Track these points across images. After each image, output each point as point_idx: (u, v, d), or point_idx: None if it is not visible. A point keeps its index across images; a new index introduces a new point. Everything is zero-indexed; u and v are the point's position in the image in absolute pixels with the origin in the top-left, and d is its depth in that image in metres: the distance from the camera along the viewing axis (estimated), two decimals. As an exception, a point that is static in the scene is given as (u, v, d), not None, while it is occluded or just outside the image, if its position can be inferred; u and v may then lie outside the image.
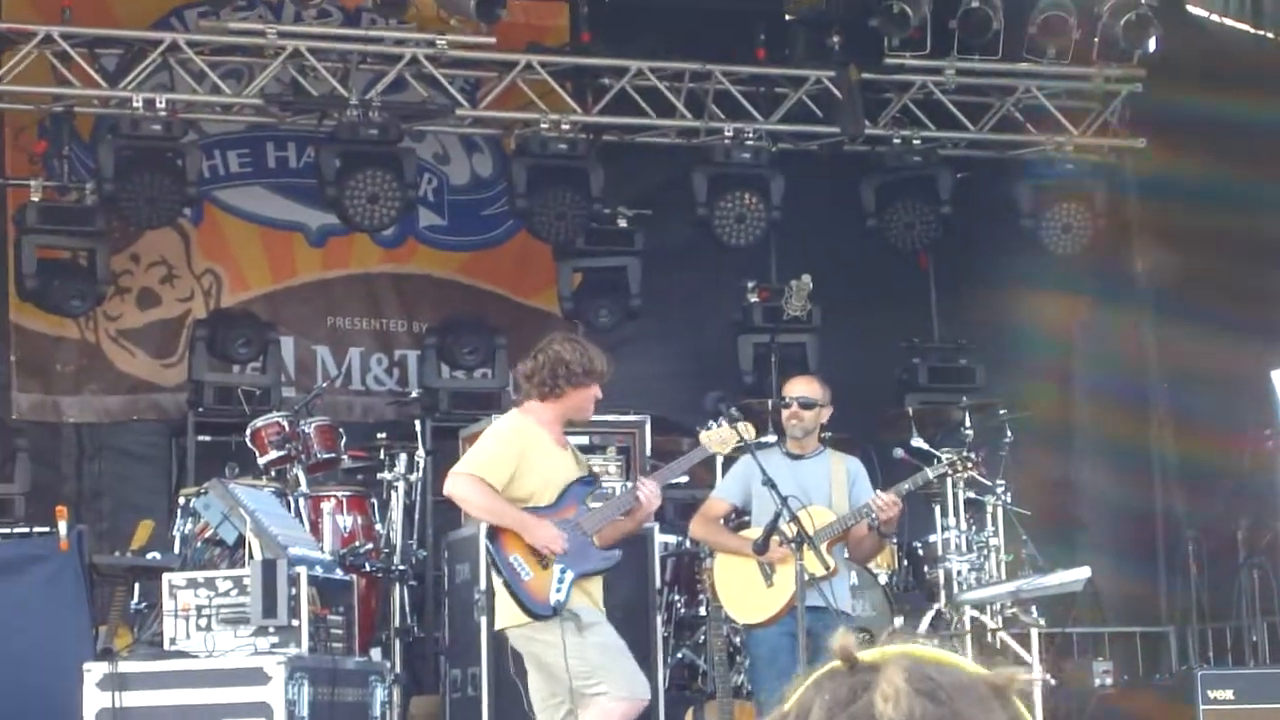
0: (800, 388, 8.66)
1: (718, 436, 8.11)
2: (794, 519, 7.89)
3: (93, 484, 11.63)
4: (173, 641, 7.89)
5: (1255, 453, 10.45)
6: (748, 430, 8.19)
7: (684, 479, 9.90)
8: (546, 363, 7.68)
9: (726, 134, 11.89)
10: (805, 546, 7.89)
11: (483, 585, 8.81)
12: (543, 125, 11.68)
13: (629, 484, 8.55)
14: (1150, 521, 11.98)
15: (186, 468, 10.84)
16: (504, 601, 7.61)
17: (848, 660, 1.70)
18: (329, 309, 12.41)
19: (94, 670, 7.69)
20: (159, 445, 11.66)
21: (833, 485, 8.54)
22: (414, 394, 11.20)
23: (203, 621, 7.87)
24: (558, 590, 7.53)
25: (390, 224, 11.54)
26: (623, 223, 11.92)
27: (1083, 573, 9.46)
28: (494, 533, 7.67)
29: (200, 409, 11.08)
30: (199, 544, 8.73)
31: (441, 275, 12.70)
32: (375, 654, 9.18)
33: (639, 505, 7.83)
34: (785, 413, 8.57)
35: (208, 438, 10.99)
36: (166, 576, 8.03)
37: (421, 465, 10.12)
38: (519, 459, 7.59)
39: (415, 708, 9.70)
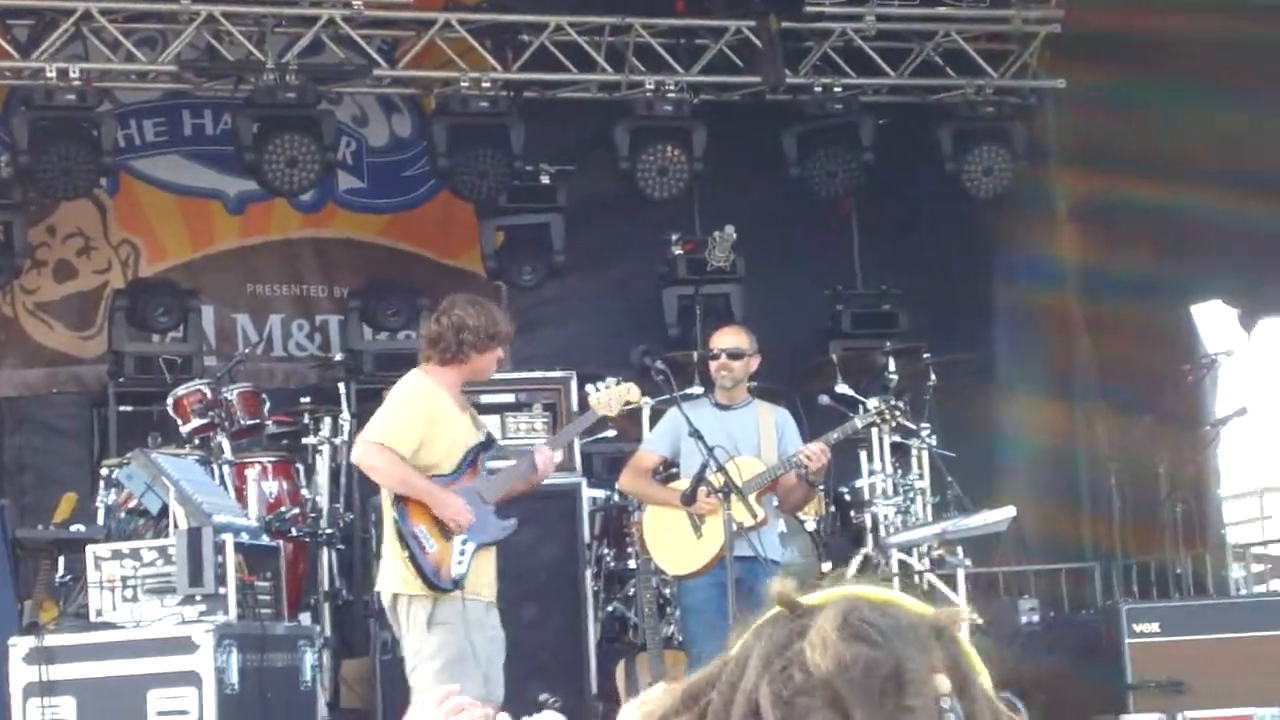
0: (728, 338, 8.68)
1: (605, 398, 8.07)
2: (721, 469, 7.92)
3: (14, 458, 11.55)
4: (99, 613, 7.85)
5: (1176, 386, 10.54)
6: (631, 392, 8.17)
7: (612, 432, 9.94)
8: (450, 326, 7.61)
9: (648, 87, 11.86)
10: (733, 496, 7.92)
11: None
12: (463, 84, 11.62)
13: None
14: (1072, 458, 12.07)
15: (108, 439, 10.77)
16: (398, 569, 7.44)
17: (788, 605, 1.68)
18: (248, 276, 12.35)
19: (20, 645, 7.65)
20: (80, 417, 11.59)
21: (761, 435, 8.57)
22: (338, 357, 11.16)
23: (128, 592, 7.84)
24: (459, 563, 7.45)
25: (310, 187, 11.47)
26: (545, 179, 11.89)
27: (1008, 512, 9.53)
28: (400, 501, 7.58)
29: (121, 379, 11.01)
30: (123, 515, 8.70)
31: (362, 238, 12.64)
32: (304, 619, 9.17)
33: (535, 471, 7.79)
34: (714, 364, 8.59)
35: (129, 408, 10.93)
36: (91, 548, 7.99)
37: (346, 428, 10.09)
38: (426, 425, 7.50)
39: (346, 670, 9.70)
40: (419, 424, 7.49)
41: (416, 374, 7.72)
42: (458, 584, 7.42)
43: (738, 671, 1.66)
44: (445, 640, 7.34)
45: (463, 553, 7.48)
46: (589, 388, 8.12)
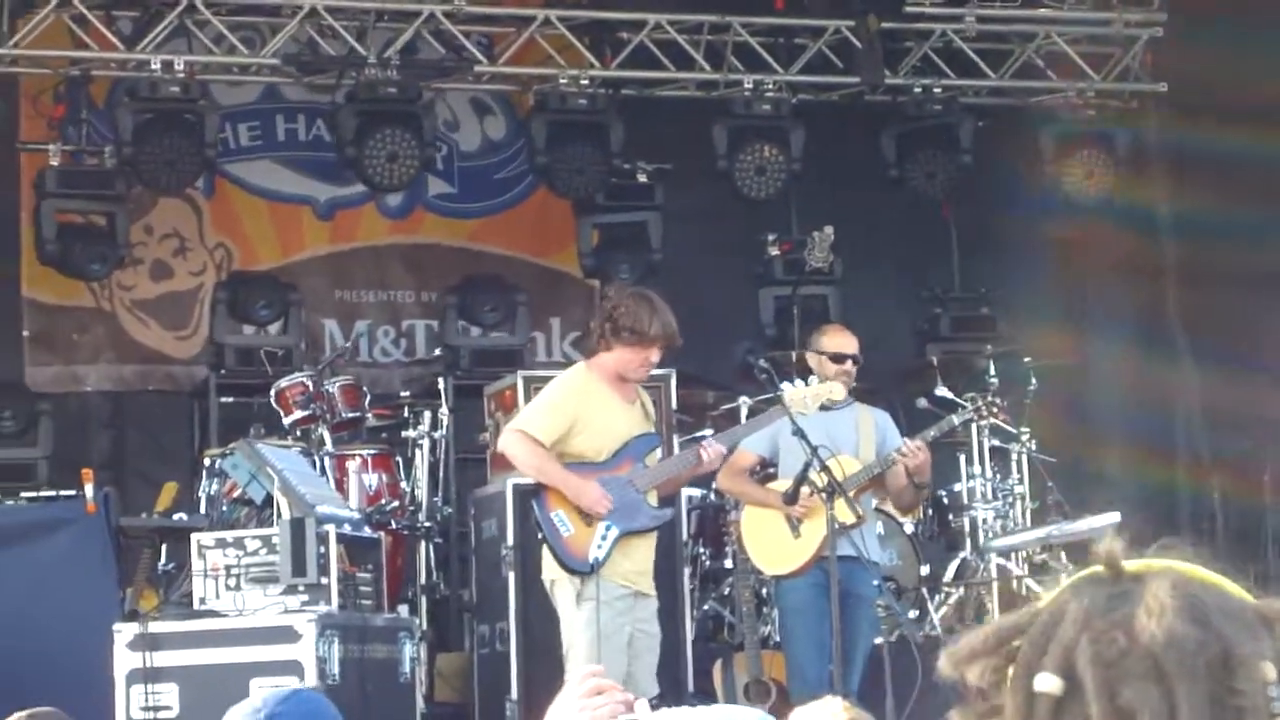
0: (850, 342, 8.58)
1: (801, 395, 8.03)
2: (824, 468, 7.88)
3: (111, 451, 11.64)
4: (202, 601, 7.89)
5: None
6: (835, 391, 8.13)
7: (709, 431, 9.91)
8: (601, 314, 7.69)
9: (746, 86, 11.83)
10: (836, 495, 7.88)
11: (510, 541, 8.83)
12: (561, 81, 11.63)
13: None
14: (1172, 466, 11.91)
15: (209, 430, 10.84)
16: (546, 555, 7.68)
17: (1112, 567, 1.66)
18: (336, 282, 12.41)
19: (124, 631, 7.69)
20: (176, 411, 11.66)
21: (860, 436, 8.52)
22: (437, 352, 11.20)
23: (232, 581, 7.87)
24: (599, 547, 7.56)
25: (408, 183, 11.51)
26: (642, 178, 11.88)
27: (1112, 517, 9.42)
28: (540, 488, 7.70)
29: (222, 371, 11.07)
30: (226, 505, 8.74)
31: (451, 243, 12.67)
32: (402, 611, 9.19)
33: (699, 464, 7.86)
34: (836, 368, 8.45)
35: (229, 399, 10.99)
36: (195, 536, 8.02)
37: (445, 423, 10.11)
38: (573, 417, 7.61)
39: (442, 664, 9.71)
40: (565, 413, 7.60)
41: (577, 365, 7.95)
42: (594, 568, 7.46)
43: (1052, 624, 1.64)
44: (592, 618, 7.41)
45: (604, 538, 7.55)
46: (784, 385, 8.07)
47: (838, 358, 8.50)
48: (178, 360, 12.01)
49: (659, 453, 8.03)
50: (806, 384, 8.13)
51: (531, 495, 7.84)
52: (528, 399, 8.73)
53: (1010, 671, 1.66)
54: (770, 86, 11.87)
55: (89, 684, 7.56)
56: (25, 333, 11.75)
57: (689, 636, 9.21)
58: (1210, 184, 11.22)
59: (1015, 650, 1.66)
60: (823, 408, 8.45)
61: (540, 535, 7.72)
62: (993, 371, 10.53)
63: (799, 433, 8.00)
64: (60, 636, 8.42)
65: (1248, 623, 1.64)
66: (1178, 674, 1.58)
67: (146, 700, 7.57)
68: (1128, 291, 12.38)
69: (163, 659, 7.63)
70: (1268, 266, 10.72)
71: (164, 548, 8.97)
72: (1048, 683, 1.62)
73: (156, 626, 7.72)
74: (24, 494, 9.35)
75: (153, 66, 10.90)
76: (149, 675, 7.59)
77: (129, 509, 9.48)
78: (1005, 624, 1.70)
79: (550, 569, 7.70)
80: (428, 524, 9.87)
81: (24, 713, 5.00)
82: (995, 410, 9.08)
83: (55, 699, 5.16)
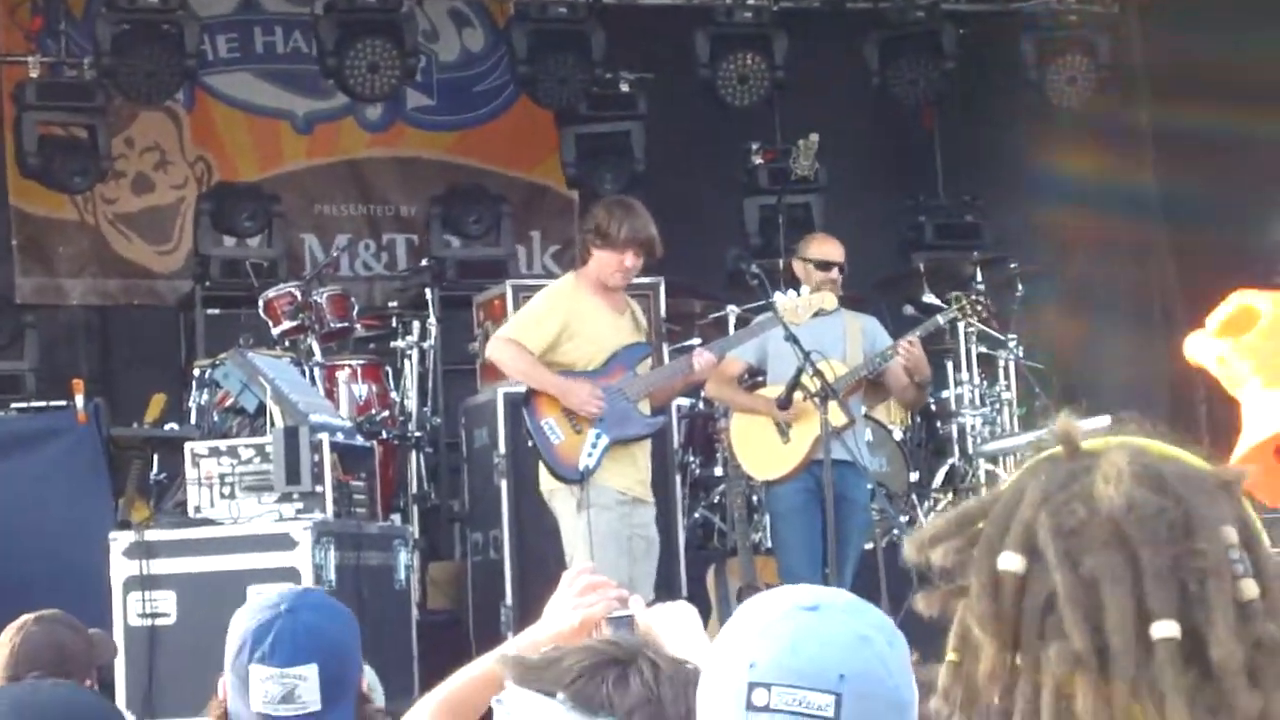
0: (835, 250, 8.58)
1: (792, 304, 8.04)
2: (817, 373, 7.90)
3: (97, 364, 11.60)
4: (197, 510, 7.89)
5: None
6: (827, 300, 8.12)
7: (698, 340, 9.91)
8: (583, 224, 7.69)
9: (728, -7, 11.77)
10: (828, 398, 7.90)
11: (502, 449, 8.84)
12: (542, -10, 11.54)
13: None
14: (1163, 375, 11.95)
15: (195, 342, 10.81)
16: (541, 466, 7.70)
17: (1069, 446, 1.66)
18: (316, 196, 12.34)
19: (120, 539, 7.69)
20: (165, 323, 11.63)
21: (848, 341, 8.55)
22: (423, 263, 11.17)
23: (226, 489, 7.87)
24: (589, 455, 7.56)
25: (390, 93, 11.44)
26: (625, 87, 11.82)
27: (1102, 421, 9.43)
28: (529, 397, 7.70)
29: (207, 283, 11.03)
30: (217, 414, 8.73)
31: (432, 156, 12.59)
32: (395, 520, 9.21)
33: (691, 372, 7.86)
34: (821, 275, 8.46)
35: (216, 311, 10.95)
36: (189, 445, 8.01)
37: (433, 333, 10.09)
38: (561, 324, 7.61)
39: (434, 572, 9.74)
40: (553, 320, 7.61)
41: (566, 275, 7.97)
42: (585, 476, 7.47)
43: (1013, 503, 1.64)
44: (595, 521, 7.41)
45: (594, 445, 7.54)
46: (777, 294, 8.07)
47: (823, 265, 8.52)
48: (161, 275, 11.96)
49: (650, 361, 8.03)
50: (798, 294, 8.14)
51: (522, 403, 7.84)
52: (517, 308, 8.73)
53: (974, 553, 1.66)
54: (752, -6, 11.80)
55: (86, 592, 7.56)
56: (14, 241, 11.68)
57: (682, 544, 9.25)
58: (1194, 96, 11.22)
59: (978, 533, 1.67)
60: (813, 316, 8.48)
61: (531, 444, 7.74)
62: (979, 278, 10.55)
63: (791, 338, 8.01)
64: (56, 545, 8.42)
65: (1207, 488, 1.63)
66: (1139, 539, 1.58)
67: (144, 607, 7.58)
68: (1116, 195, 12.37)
69: (159, 566, 7.64)
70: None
71: (156, 458, 8.95)
72: (1010, 561, 1.63)
73: (152, 534, 7.73)
74: (13, 405, 9.31)
75: (130, -24, 10.79)
76: (146, 582, 7.60)
77: (118, 421, 9.46)
78: (968, 507, 1.71)
79: (546, 479, 7.72)
80: (418, 434, 9.88)
81: (30, 615, 5.01)
82: (980, 308, 9.10)
83: (54, 607, 5.16)
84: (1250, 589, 1.60)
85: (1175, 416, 11.40)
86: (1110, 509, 1.61)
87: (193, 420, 8.97)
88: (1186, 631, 1.58)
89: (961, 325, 10.06)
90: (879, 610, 1.96)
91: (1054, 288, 11.27)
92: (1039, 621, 1.60)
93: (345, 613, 3.49)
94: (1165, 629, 1.57)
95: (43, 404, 9.19)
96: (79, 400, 8.75)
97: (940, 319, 8.97)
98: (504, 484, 8.83)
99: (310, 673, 3.22)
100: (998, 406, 10.41)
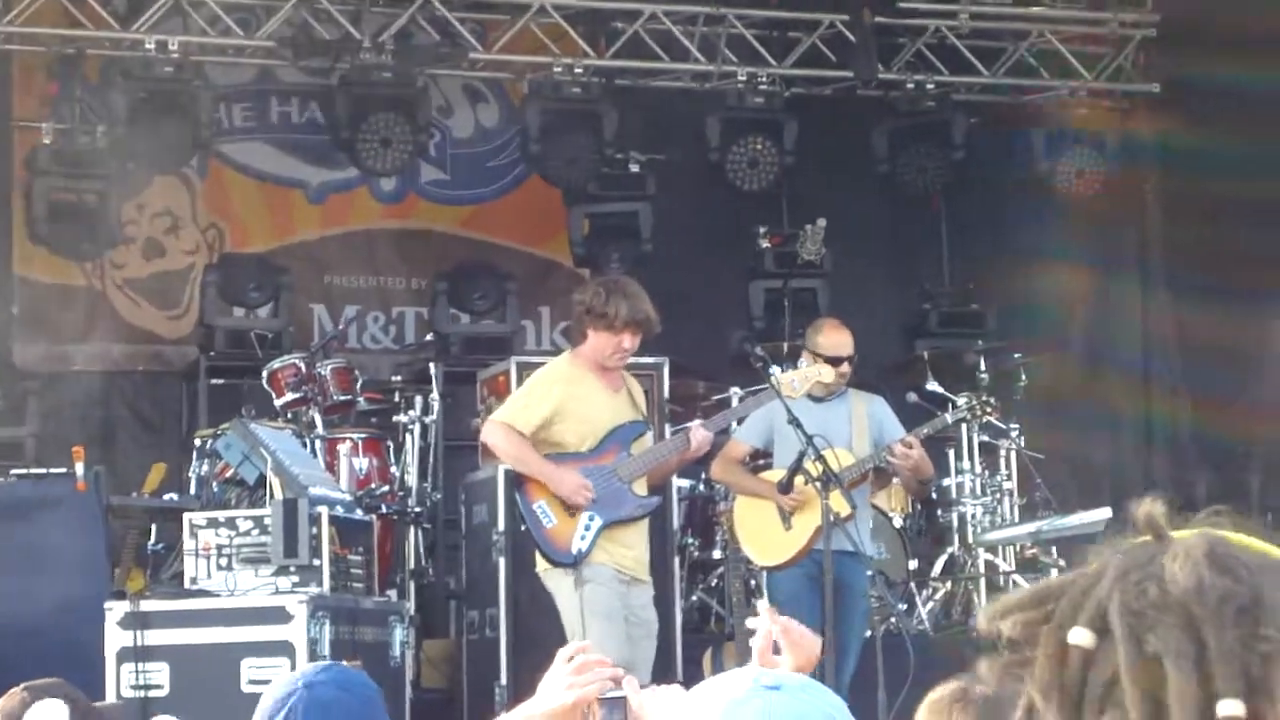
0: (849, 343, 8.45)
1: (789, 379, 8.01)
2: (819, 457, 7.87)
3: (100, 431, 11.60)
4: (194, 581, 7.87)
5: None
6: (825, 374, 8.08)
7: (699, 421, 9.91)
8: (576, 303, 7.67)
9: (740, 78, 11.84)
10: (830, 486, 7.87)
11: (501, 527, 8.82)
12: (556, 69, 11.62)
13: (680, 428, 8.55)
14: (1161, 469, 11.96)
15: (198, 412, 10.81)
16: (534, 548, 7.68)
17: (1155, 531, 1.70)
18: (326, 267, 12.37)
19: (115, 609, 7.68)
20: (168, 390, 11.64)
21: (854, 428, 8.49)
22: (429, 338, 11.18)
23: (223, 561, 7.86)
24: (581, 538, 7.53)
25: (402, 168, 11.52)
26: (635, 167, 11.87)
27: (1103, 514, 9.44)
28: (521, 480, 7.67)
29: (212, 353, 11.05)
30: (216, 485, 8.72)
31: (444, 230, 12.64)
32: (391, 596, 9.18)
33: (688, 449, 7.82)
34: (832, 370, 8.34)
35: (220, 381, 10.96)
36: (187, 516, 8.00)
37: (436, 408, 10.09)
38: (554, 406, 7.59)
39: (429, 650, 9.69)
40: (543, 403, 7.60)
41: (561, 355, 7.94)
42: (578, 560, 7.44)
43: (1092, 581, 1.68)
44: (591, 597, 7.38)
45: (588, 528, 7.52)
46: (774, 369, 8.06)
47: (835, 360, 8.39)
48: (168, 340, 11.98)
49: (647, 439, 8.01)
50: (796, 369, 8.14)
51: (514, 486, 7.81)
52: (520, 383, 8.72)
53: (1045, 628, 1.69)
54: (764, 79, 11.88)
55: (80, 661, 7.51)
56: (14, 310, 11.70)
57: (679, 627, 9.21)
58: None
59: (1053, 610, 1.70)
60: (816, 398, 8.40)
61: (523, 527, 7.71)
62: (983, 367, 10.56)
63: (794, 421, 7.99)
64: (51, 613, 8.38)
65: (1276, 573, 1.66)
66: (1206, 619, 1.61)
67: (137, 679, 7.56)
68: (1119, 299, 12.40)
69: (154, 637, 7.62)
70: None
71: (154, 528, 8.94)
72: (1080, 636, 1.66)
73: (148, 605, 7.71)
74: (12, 471, 9.30)
75: (147, 46, 10.87)
76: (140, 654, 7.57)
77: (118, 489, 9.45)
78: (1049, 583, 1.74)
79: (541, 560, 7.71)
80: (417, 509, 9.85)
81: (23, 685, 4.97)
82: (990, 410, 9.08)
83: (47, 675, 5.12)
84: None
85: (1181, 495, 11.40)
86: (1180, 589, 1.64)
87: (193, 490, 8.97)
88: (1249, 714, 1.60)
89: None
90: (831, 690, 1.98)
91: (1055, 376, 11.27)
92: (1101, 697, 1.62)
93: (366, 688, 3.56)
94: (1231, 708, 1.59)
95: (42, 470, 9.16)
96: (79, 468, 8.74)
97: (949, 418, 8.94)
98: (502, 561, 8.80)
99: None
100: (998, 496, 10.40)
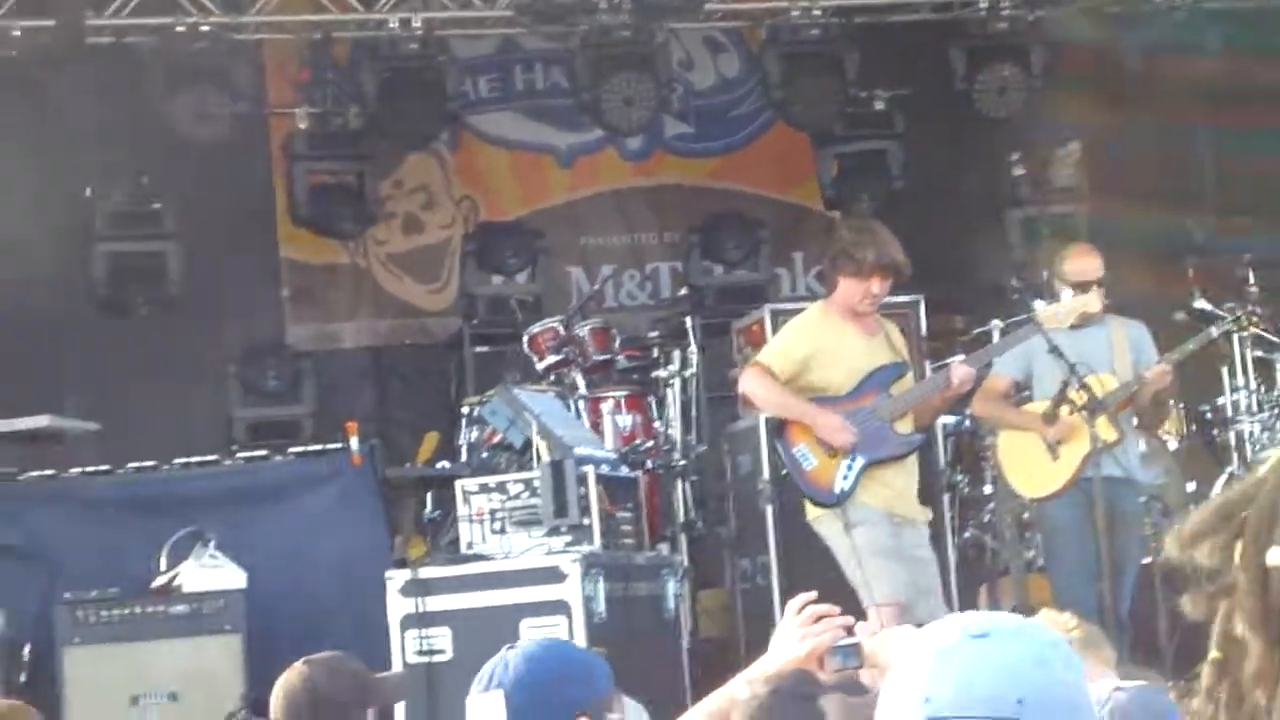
0: (1096, 266, 8.25)
1: (1054, 311, 7.91)
2: (1083, 385, 7.75)
3: (373, 405, 11.91)
4: (469, 546, 8.04)
5: None
6: (1090, 304, 7.95)
7: (960, 356, 9.80)
8: (826, 249, 7.69)
9: (982, 5, 11.64)
10: (1097, 412, 7.75)
11: (765, 475, 8.85)
12: (793, 13, 11.56)
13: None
14: None
15: (464, 380, 11.03)
16: None
17: None
18: (580, 228, 12.50)
19: (396, 578, 7.87)
20: (434, 361, 11.89)
21: (1115, 352, 8.33)
22: (682, 292, 11.25)
23: (496, 525, 8.00)
24: (844, 478, 7.54)
25: (647, 125, 11.58)
26: (880, 105, 11.77)
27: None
28: (782, 424, 7.71)
29: (474, 321, 11.25)
30: (486, 451, 8.88)
31: (693, 183, 12.68)
32: (663, 549, 9.27)
33: (949, 386, 7.77)
34: (1085, 297, 8.18)
35: (484, 349, 11.17)
36: (459, 483, 8.17)
37: (694, 361, 10.15)
38: (809, 352, 7.63)
39: (704, 600, 9.78)
40: (798, 350, 7.65)
41: (816, 303, 8.01)
42: (841, 499, 7.46)
43: (1275, 489, 1.60)
44: (863, 538, 7.41)
45: (850, 467, 7.53)
46: (1037, 303, 7.99)
47: (1081, 285, 8.22)
48: (431, 313, 12.24)
49: (908, 381, 7.97)
50: (1059, 301, 8.01)
51: (775, 433, 7.85)
52: (776, 331, 8.74)
53: (1239, 546, 1.60)
54: (1006, 4, 11.65)
55: (365, 631, 7.76)
56: (285, 292, 12.06)
57: (953, 564, 9.15)
58: None
59: (1242, 524, 1.61)
60: (1074, 326, 8.26)
61: (784, 472, 7.74)
62: (1252, 280, 10.25)
63: (1055, 350, 7.88)
64: (334, 586, 8.66)
65: None
66: None
67: (420, 644, 7.73)
68: None
69: (434, 603, 7.78)
70: None
71: (429, 496, 9.15)
72: (1278, 556, 1.57)
73: (427, 572, 7.89)
74: (291, 449, 9.60)
75: (391, 25, 11.08)
76: (422, 620, 7.74)
77: (392, 460, 9.70)
78: (1231, 497, 1.65)
79: (810, 508, 7.73)
80: (682, 462, 9.93)
81: (303, 660, 5.09)
82: (1256, 320, 8.81)
83: (334, 647, 5.28)
84: None
85: None
86: None
87: (463, 457, 9.15)
88: None
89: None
90: (1051, 630, 1.93)
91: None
92: None
93: (570, 656, 3.71)
94: None
95: (319, 447, 9.45)
96: (354, 443, 8.98)
97: (1214, 331, 8.71)
98: (769, 510, 8.84)
99: (495, 699, 3.45)
100: (1276, 411, 10.10)
